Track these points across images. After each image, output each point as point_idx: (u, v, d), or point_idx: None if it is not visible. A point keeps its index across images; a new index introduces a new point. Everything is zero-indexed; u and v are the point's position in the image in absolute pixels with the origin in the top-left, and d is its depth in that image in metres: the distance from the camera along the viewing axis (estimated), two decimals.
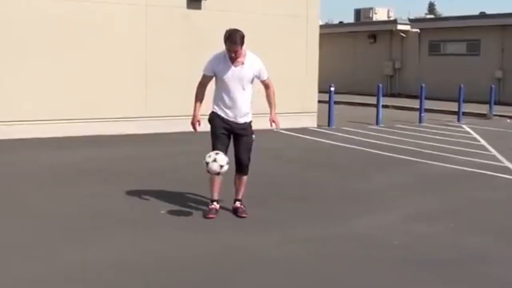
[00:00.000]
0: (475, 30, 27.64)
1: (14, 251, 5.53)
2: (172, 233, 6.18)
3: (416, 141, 13.79)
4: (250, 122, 6.90)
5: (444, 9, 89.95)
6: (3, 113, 12.31)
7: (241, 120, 6.78)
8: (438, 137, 14.69)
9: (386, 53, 31.80)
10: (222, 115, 6.76)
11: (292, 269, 5.23)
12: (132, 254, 5.50)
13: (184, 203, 7.29)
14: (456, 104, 19.50)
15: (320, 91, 16.59)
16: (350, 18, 41.33)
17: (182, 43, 14.18)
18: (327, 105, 16.36)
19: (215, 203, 6.87)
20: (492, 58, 27.25)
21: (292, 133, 14.49)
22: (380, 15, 34.83)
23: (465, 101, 19.79)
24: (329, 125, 16.12)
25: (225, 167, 6.47)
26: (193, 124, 6.81)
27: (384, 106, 18.80)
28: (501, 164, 10.84)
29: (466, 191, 8.64)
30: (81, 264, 5.18)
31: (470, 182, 9.36)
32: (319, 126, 16.02)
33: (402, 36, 31.12)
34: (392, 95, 29.49)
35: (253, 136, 6.91)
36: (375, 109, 17.64)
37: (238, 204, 6.91)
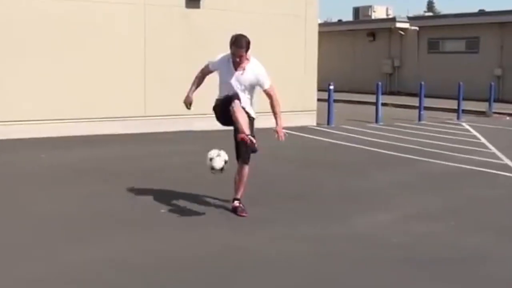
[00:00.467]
0: (474, 28, 27.65)
1: (13, 251, 5.52)
2: (172, 233, 6.18)
3: (415, 139, 13.78)
4: (253, 118, 6.88)
5: (443, 7, 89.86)
6: (2, 113, 12.29)
7: (245, 108, 6.79)
8: (437, 135, 14.69)
9: (385, 51, 31.80)
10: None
11: (292, 268, 5.23)
12: (132, 254, 5.50)
13: (184, 202, 7.29)
14: (455, 102, 19.50)
15: (319, 90, 16.59)
16: (349, 16, 41.29)
17: (181, 43, 14.17)
18: (326, 103, 16.36)
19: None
20: (491, 56, 27.26)
21: (292, 132, 14.43)
22: (378, 13, 34.84)
23: (465, 99, 19.78)
24: (328, 123, 16.12)
25: (227, 164, 6.50)
26: (184, 103, 7.00)
27: (384, 104, 18.80)
28: (501, 162, 10.84)
29: (466, 189, 8.64)
30: (81, 264, 5.18)
31: (470, 180, 9.36)
32: (318, 124, 16.01)
33: (401, 34, 31.13)
34: (391, 93, 29.50)
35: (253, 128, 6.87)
36: (374, 107, 17.64)
37: (237, 203, 6.90)
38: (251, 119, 6.83)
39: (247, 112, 6.77)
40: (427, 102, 19.63)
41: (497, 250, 5.89)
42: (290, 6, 15.75)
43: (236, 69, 6.72)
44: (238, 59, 6.63)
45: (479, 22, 27.62)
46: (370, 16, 34.52)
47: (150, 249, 5.65)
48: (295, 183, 8.82)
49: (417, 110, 18.61)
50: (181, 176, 8.97)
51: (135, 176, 8.96)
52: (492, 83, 21.75)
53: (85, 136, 12.71)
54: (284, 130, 6.86)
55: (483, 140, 13.86)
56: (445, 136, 14.54)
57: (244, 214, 6.77)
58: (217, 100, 6.91)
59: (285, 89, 15.23)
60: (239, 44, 6.58)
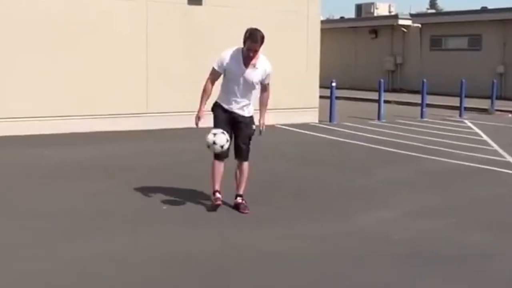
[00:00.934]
0: (477, 25, 27.60)
1: (15, 247, 5.53)
2: (174, 229, 6.19)
3: (417, 136, 13.77)
4: (252, 116, 6.90)
5: (446, 4, 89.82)
6: (4, 110, 12.30)
7: (244, 114, 6.79)
8: (439, 132, 14.68)
9: (387, 48, 31.75)
10: (226, 106, 6.78)
11: (293, 266, 5.23)
12: (134, 251, 5.51)
13: (186, 199, 7.29)
14: (457, 99, 19.48)
15: (321, 87, 16.58)
16: (351, 13, 41.23)
17: (183, 39, 14.17)
18: (328, 100, 16.35)
19: (217, 193, 6.90)
20: (493, 53, 27.21)
21: (294, 129, 14.48)
22: (381, 10, 34.77)
23: (467, 96, 19.76)
24: (330, 120, 16.11)
25: (226, 146, 6.53)
26: (196, 118, 6.78)
27: (386, 102, 18.77)
28: (503, 159, 10.83)
29: (468, 187, 8.63)
30: (82, 260, 5.19)
31: (472, 177, 9.36)
32: (320, 121, 16.00)
33: (403, 31, 31.08)
34: (394, 90, 29.46)
35: (254, 126, 6.91)
36: (376, 104, 17.62)
37: (239, 199, 6.90)
38: (251, 130, 6.86)
39: (248, 118, 6.78)
40: (429, 99, 19.60)
41: (498, 247, 5.89)
42: (292, 3, 15.74)
43: (246, 65, 6.64)
44: (251, 54, 6.56)
45: (481, 19, 27.57)
46: (373, 13, 34.44)
47: (152, 246, 5.66)
48: (296, 181, 8.82)
49: (419, 107, 18.60)
50: (183, 173, 8.97)
51: (138, 173, 8.97)
52: (495, 81, 21.70)
53: (87, 133, 12.72)
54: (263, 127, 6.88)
55: (485, 137, 13.85)
56: (447, 133, 14.52)
57: (246, 211, 6.77)
58: (217, 103, 6.84)
59: (287, 86, 15.30)
60: (255, 39, 6.53)
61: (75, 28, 12.98)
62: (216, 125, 6.77)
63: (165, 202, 7.18)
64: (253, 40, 6.53)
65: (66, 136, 12.37)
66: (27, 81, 12.54)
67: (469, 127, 15.98)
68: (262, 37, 6.57)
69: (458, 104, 19.34)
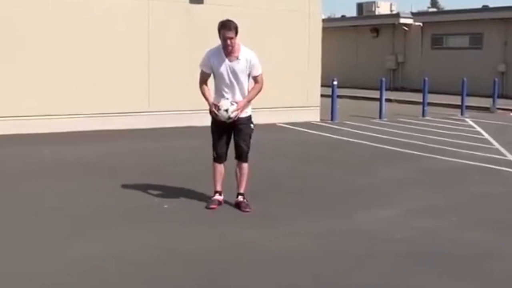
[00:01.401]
0: (478, 24, 27.58)
1: (16, 245, 5.54)
2: (175, 228, 6.19)
3: (419, 135, 13.77)
4: (250, 116, 6.90)
5: (447, 2, 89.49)
6: (5, 109, 12.31)
7: (241, 115, 6.77)
8: (441, 131, 14.67)
9: (388, 47, 31.75)
10: None
11: (295, 264, 5.24)
12: (134, 249, 5.51)
13: (188, 197, 7.30)
14: (459, 97, 19.48)
15: (322, 85, 16.57)
16: (352, 12, 41.27)
17: (185, 38, 14.17)
18: (330, 99, 16.34)
19: (217, 194, 6.95)
20: (495, 52, 27.20)
21: (295, 127, 14.48)
22: (382, 8, 34.77)
23: (468, 95, 19.77)
24: (332, 119, 16.10)
25: (232, 107, 6.58)
26: (212, 111, 6.72)
27: (387, 100, 18.78)
28: (505, 157, 10.83)
29: (470, 185, 8.63)
30: (83, 258, 5.19)
31: (473, 176, 9.35)
32: (322, 120, 16.00)
33: (404, 29, 31.07)
34: (395, 89, 29.45)
35: (252, 125, 6.91)
36: (378, 103, 17.62)
37: (240, 198, 6.91)
38: (250, 129, 6.86)
39: (245, 119, 6.78)
40: (431, 98, 19.61)
41: (500, 246, 5.88)
42: (294, 2, 15.74)
43: (228, 57, 6.67)
44: (229, 43, 6.58)
45: (483, 18, 27.56)
46: (374, 11, 34.44)
47: (153, 244, 5.66)
48: (298, 179, 8.82)
49: (420, 106, 18.60)
50: (184, 171, 8.97)
51: (139, 171, 8.98)
52: (496, 79, 21.71)
53: (88, 131, 12.72)
54: (238, 111, 6.67)
55: (486, 136, 13.84)
56: (448, 132, 14.52)
57: (247, 210, 6.78)
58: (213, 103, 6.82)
59: (288, 84, 15.32)
60: (227, 27, 6.56)
61: (76, 27, 12.97)
62: (213, 128, 6.85)
63: (166, 200, 7.19)
64: (226, 28, 6.57)
65: (66, 134, 12.36)
66: (28, 80, 12.54)
67: (471, 126, 15.98)
68: (236, 27, 6.60)
69: (459, 103, 19.34)
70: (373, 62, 31.40)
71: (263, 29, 14.88)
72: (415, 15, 32.05)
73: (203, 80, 6.86)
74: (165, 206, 6.97)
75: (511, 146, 12.01)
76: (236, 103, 6.67)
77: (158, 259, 5.27)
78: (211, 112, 6.79)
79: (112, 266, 5.09)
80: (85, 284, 4.69)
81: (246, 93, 6.81)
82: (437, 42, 29.93)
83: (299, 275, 4.97)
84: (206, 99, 6.81)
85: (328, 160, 10.59)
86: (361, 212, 6.95)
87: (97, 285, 4.67)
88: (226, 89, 6.73)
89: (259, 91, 6.88)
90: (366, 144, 12.31)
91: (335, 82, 16.29)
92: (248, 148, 6.92)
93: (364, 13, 34.93)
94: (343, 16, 37.70)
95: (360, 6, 36.12)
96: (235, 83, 6.72)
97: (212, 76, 6.84)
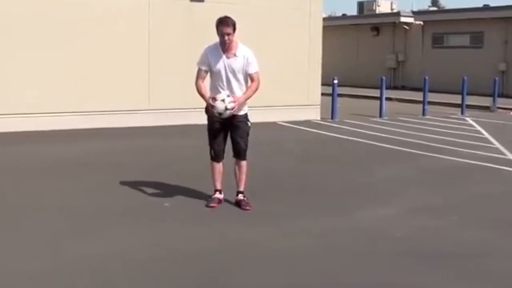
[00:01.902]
0: (479, 23, 27.58)
1: (17, 244, 5.54)
2: (175, 226, 6.20)
3: (419, 133, 13.78)
4: (246, 114, 6.90)
5: (447, 1, 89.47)
6: (7, 106, 12.32)
7: (237, 112, 6.77)
8: (441, 129, 14.68)
9: (389, 45, 31.75)
10: None
11: (295, 262, 5.24)
12: (135, 247, 5.51)
13: (188, 196, 7.30)
14: (459, 96, 19.48)
15: (323, 84, 16.57)
16: (353, 11, 41.28)
17: (185, 36, 14.16)
18: (330, 97, 16.35)
19: (217, 192, 6.96)
20: (495, 51, 27.20)
21: (295, 126, 14.48)
22: (383, 7, 34.80)
23: (469, 94, 19.76)
24: (332, 117, 16.11)
25: (228, 99, 6.55)
26: (209, 105, 6.65)
27: (387, 99, 18.78)
28: (505, 157, 10.83)
29: (470, 184, 8.63)
30: (84, 257, 5.19)
31: (473, 175, 9.36)
32: (322, 118, 16.01)
33: (405, 28, 31.06)
34: (395, 88, 29.46)
35: (249, 123, 6.91)
36: (378, 101, 17.62)
37: (241, 196, 6.92)
38: (247, 126, 6.86)
39: (241, 117, 6.78)
40: (431, 96, 19.60)
41: (500, 245, 5.89)
42: (295, 1, 15.74)
43: (226, 54, 6.67)
44: (226, 39, 6.59)
45: (483, 17, 27.55)
46: (375, 10, 34.46)
47: (153, 243, 5.66)
48: (298, 178, 8.82)
49: (421, 105, 18.59)
50: (184, 170, 8.98)
51: (139, 169, 8.98)
52: (496, 78, 21.70)
53: (88, 129, 12.73)
54: (235, 104, 6.59)
55: (486, 135, 13.84)
56: (448, 131, 14.52)
57: (247, 208, 6.78)
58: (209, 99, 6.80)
59: (289, 83, 15.32)
60: (225, 23, 6.58)
61: (77, 25, 12.97)
62: (210, 127, 6.85)
63: (167, 198, 7.19)
64: (224, 24, 6.59)
65: (66, 132, 12.37)
66: (29, 79, 12.54)
67: (471, 125, 15.98)
68: (233, 23, 6.61)
69: (459, 102, 19.34)
70: (374, 60, 31.39)
71: (264, 28, 14.88)
72: (416, 14, 32.05)
73: (200, 78, 6.85)
74: (165, 204, 6.97)
75: (511, 145, 12.01)
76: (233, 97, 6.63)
77: (158, 258, 5.26)
78: (207, 111, 6.77)
79: (112, 265, 5.09)
80: (85, 284, 4.69)
81: (245, 90, 6.80)
82: (437, 41, 29.92)
83: (299, 274, 4.97)
84: (203, 95, 6.79)
85: (328, 159, 10.59)
86: (361, 211, 6.95)
87: (97, 285, 4.68)
88: (222, 85, 6.72)
89: (256, 89, 6.85)
90: (366, 142, 12.31)
91: (335, 81, 16.29)
92: (246, 146, 6.92)
93: (365, 12, 34.95)
94: (343, 15, 37.73)
95: (360, 5, 36.14)
96: (232, 80, 6.72)
97: (208, 73, 6.83)
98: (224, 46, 6.67)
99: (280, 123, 14.59)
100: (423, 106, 18.35)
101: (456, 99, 20.20)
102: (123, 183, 7.95)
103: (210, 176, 7.01)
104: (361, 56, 32.34)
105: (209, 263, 5.17)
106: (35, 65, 12.59)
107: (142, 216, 6.56)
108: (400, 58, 31.27)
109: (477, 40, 28.16)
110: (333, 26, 30.33)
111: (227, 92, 6.65)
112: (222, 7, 14.30)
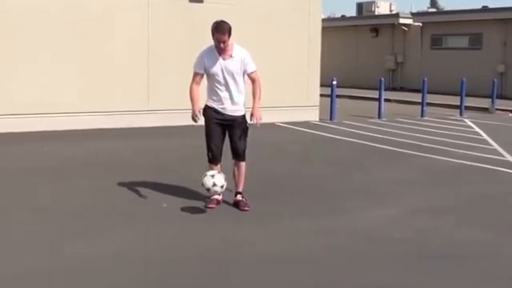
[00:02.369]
0: (478, 24, 27.60)
1: (17, 244, 5.55)
2: (173, 227, 6.20)
3: (418, 135, 13.79)
4: (244, 115, 6.90)
5: (446, 3, 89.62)
6: (8, 107, 12.32)
7: (235, 114, 6.78)
8: (440, 131, 14.69)
9: (388, 47, 31.76)
10: (216, 107, 6.79)
11: (294, 263, 5.24)
12: (134, 248, 5.52)
13: (186, 196, 7.31)
14: (458, 98, 19.50)
15: (322, 85, 16.59)
16: (352, 12, 41.32)
17: (185, 37, 14.16)
18: (329, 98, 16.36)
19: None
20: (494, 52, 27.22)
21: (294, 127, 14.49)
22: (382, 8, 34.79)
23: (467, 95, 19.78)
24: (331, 119, 16.12)
25: (225, 185, 6.54)
26: (192, 118, 6.73)
27: (386, 100, 18.79)
28: (503, 158, 10.85)
29: (468, 185, 8.64)
30: (83, 258, 5.20)
31: (472, 176, 9.37)
32: (321, 119, 16.02)
33: (404, 29, 31.08)
34: (394, 89, 29.48)
35: (247, 124, 6.92)
36: (377, 103, 17.63)
37: (239, 197, 6.93)
38: (245, 127, 6.86)
39: (240, 118, 6.79)
40: (430, 98, 19.62)
41: (498, 246, 5.90)
42: (294, 1, 15.76)
43: (222, 57, 6.67)
44: (222, 45, 6.59)
45: (482, 19, 27.57)
46: (374, 11, 34.45)
47: (151, 244, 5.67)
48: (297, 179, 8.83)
49: (419, 106, 18.61)
50: (183, 170, 8.98)
51: (138, 170, 8.98)
52: (495, 80, 21.71)
53: (88, 130, 12.73)
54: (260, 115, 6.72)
55: (485, 136, 13.86)
56: (447, 132, 14.54)
57: (246, 208, 6.79)
58: (208, 106, 6.83)
59: (288, 84, 15.33)
60: (221, 29, 6.57)
61: (76, 25, 12.98)
62: (207, 128, 6.84)
63: (165, 199, 7.19)
64: (220, 31, 6.57)
65: (66, 132, 12.37)
66: (29, 79, 12.54)
67: (470, 126, 16.00)
68: (229, 28, 6.61)
69: (458, 103, 19.36)
70: (373, 62, 31.41)
71: (263, 28, 14.89)
72: (415, 15, 32.07)
73: (194, 82, 6.84)
74: (164, 205, 6.98)
75: (509, 146, 12.03)
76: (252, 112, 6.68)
77: (157, 258, 5.27)
78: (193, 117, 6.71)
79: (111, 265, 5.09)
80: (84, 284, 4.69)
81: (243, 91, 6.82)
82: (436, 42, 29.94)
83: (298, 274, 4.97)
84: (192, 101, 6.75)
85: (327, 160, 10.60)
86: (360, 212, 6.96)
87: (96, 285, 4.68)
88: (220, 87, 6.73)
89: (260, 88, 6.87)
90: (364, 143, 12.32)
91: (334, 82, 16.30)
92: (245, 146, 6.93)
93: (364, 13, 34.94)
94: (342, 16, 37.72)
95: (359, 6, 36.14)
96: (230, 82, 6.72)
97: (205, 76, 6.82)
98: (220, 51, 6.68)
99: (279, 124, 14.60)
100: (422, 107, 18.37)
101: (455, 100, 20.22)
102: (121, 183, 7.95)
103: None
104: (360, 57, 32.35)
105: (208, 264, 5.17)
106: (34, 65, 12.58)
107: (140, 216, 6.56)
108: (399, 59, 31.29)
109: (476, 42, 28.19)
110: (332, 27, 30.36)
111: (216, 172, 6.57)
112: (221, 7, 14.35)
